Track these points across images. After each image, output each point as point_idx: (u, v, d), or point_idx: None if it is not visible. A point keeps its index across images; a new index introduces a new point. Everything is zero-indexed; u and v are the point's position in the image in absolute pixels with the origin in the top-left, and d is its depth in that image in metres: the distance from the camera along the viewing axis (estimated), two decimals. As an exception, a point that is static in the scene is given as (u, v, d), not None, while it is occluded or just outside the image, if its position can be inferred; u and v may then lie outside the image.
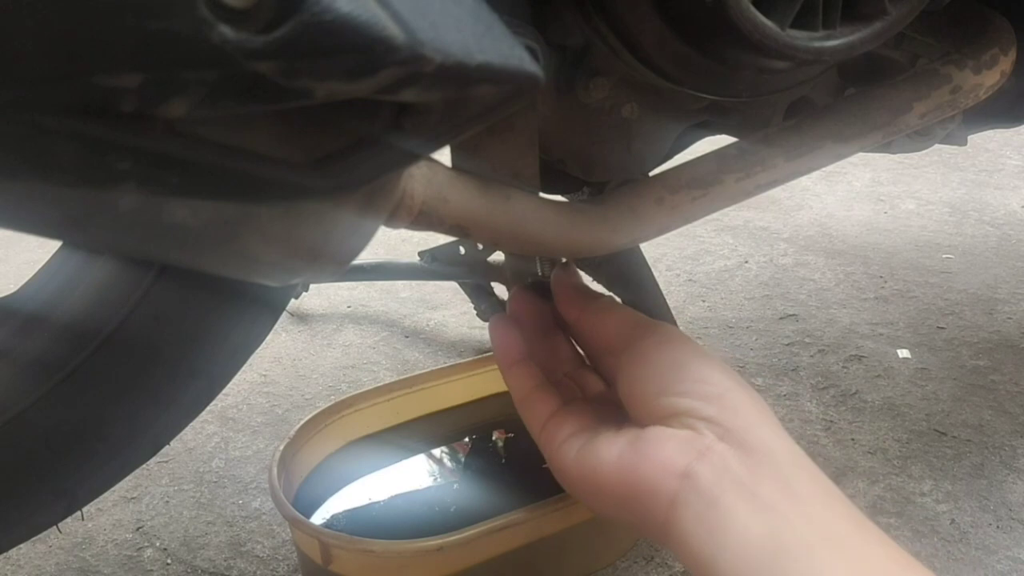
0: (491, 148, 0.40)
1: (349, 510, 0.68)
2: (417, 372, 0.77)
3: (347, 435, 0.72)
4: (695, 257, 1.22)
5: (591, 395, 0.46)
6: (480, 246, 0.88)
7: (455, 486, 0.71)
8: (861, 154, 0.47)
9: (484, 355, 0.80)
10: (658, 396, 0.38)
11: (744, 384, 0.38)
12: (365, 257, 0.42)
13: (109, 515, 0.73)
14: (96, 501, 0.55)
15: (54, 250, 0.48)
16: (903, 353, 0.95)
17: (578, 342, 0.48)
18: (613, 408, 0.43)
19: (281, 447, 0.64)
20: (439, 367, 0.78)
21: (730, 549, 0.32)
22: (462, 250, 0.93)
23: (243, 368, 0.52)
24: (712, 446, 0.35)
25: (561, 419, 0.43)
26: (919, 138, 0.54)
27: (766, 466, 0.34)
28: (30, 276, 0.48)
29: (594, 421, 0.42)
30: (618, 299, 0.53)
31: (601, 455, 0.38)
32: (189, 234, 0.26)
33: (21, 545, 0.53)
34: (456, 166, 0.39)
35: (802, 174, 0.44)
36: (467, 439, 0.77)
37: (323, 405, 0.71)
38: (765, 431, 0.35)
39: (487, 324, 0.97)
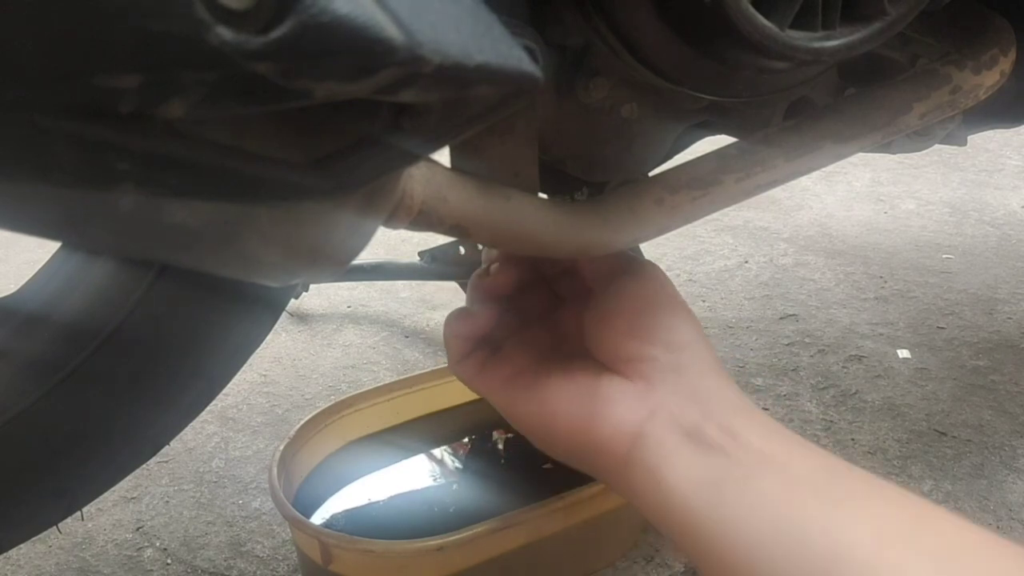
0: (491, 148, 0.40)
1: (349, 510, 0.68)
2: (417, 372, 0.77)
3: (347, 435, 0.72)
4: (695, 257, 1.22)
5: (527, 316, 0.45)
6: (480, 246, 0.88)
7: (455, 486, 0.71)
8: (861, 154, 0.47)
9: (484, 355, 0.80)
10: (626, 336, 0.38)
11: (705, 338, 0.39)
12: (365, 257, 0.42)
13: (109, 515, 0.73)
14: (96, 501, 0.55)
15: (54, 250, 0.48)
16: (903, 353, 0.95)
17: (561, 273, 0.47)
18: (550, 337, 0.43)
19: (281, 447, 0.64)
20: (439, 367, 0.78)
21: (675, 493, 0.34)
22: (462, 250, 0.93)
23: (243, 368, 0.52)
24: (664, 401, 0.36)
25: (498, 361, 0.42)
26: (919, 138, 0.54)
27: (711, 412, 0.35)
28: (30, 276, 0.48)
29: (535, 358, 0.41)
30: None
31: (553, 401, 0.38)
32: (189, 235, 0.26)
33: (21, 545, 0.53)
34: (455, 166, 0.39)
35: (802, 174, 0.44)
36: (467, 439, 0.77)
37: (323, 405, 0.71)
38: (716, 381, 0.37)
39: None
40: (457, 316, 0.43)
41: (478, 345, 0.43)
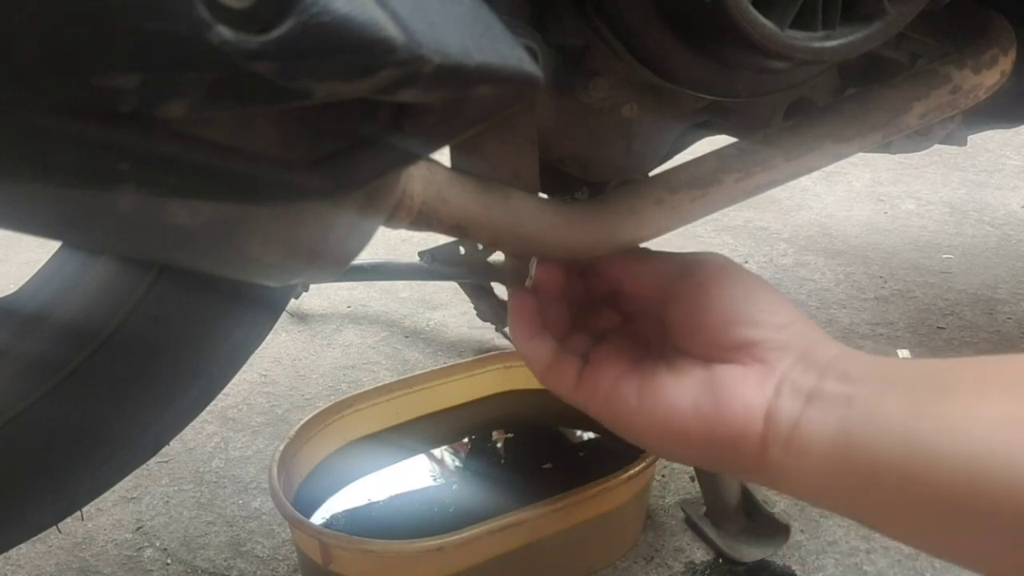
0: (491, 148, 0.40)
1: (349, 510, 0.68)
2: (417, 372, 0.77)
3: (347, 435, 0.72)
4: (695, 257, 1.22)
5: (603, 331, 0.44)
6: (480, 246, 0.88)
7: (455, 486, 0.71)
8: (861, 154, 0.47)
9: (484, 355, 0.80)
10: (727, 326, 0.37)
11: (801, 311, 0.39)
12: (365, 257, 0.41)
13: (109, 515, 0.73)
14: (96, 501, 0.55)
15: (54, 250, 0.48)
16: (903, 353, 0.95)
17: (615, 295, 0.45)
18: (635, 344, 0.42)
19: (281, 447, 0.64)
20: (439, 367, 0.78)
21: (811, 458, 0.33)
22: (462, 250, 0.93)
23: (243, 368, 0.52)
24: (785, 375, 0.36)
25: (594, 373, 0.41)
26: (919, 138, 0.54)
27: (826, 370, 0.35)
28: (30, 276, 0.48)
29: (630, 363, 0.40)
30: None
31: (673, 401, 0.37)
32: (189, 235, 0.26)
33: (21, 545, 0.53)
34: (455, 166, 0.39)
35: (802, 174, 0.44)
36: (467, 439, 0.77)
37: (323, 405, 0.71)
38: (824, 346, 0.37)
39: (487, 324, 0.97)
40: (512, 312, 0.42)
41: (560, 350, 0.42)
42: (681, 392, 0.37)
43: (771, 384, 0.36)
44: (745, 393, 0.36)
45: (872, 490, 0.32)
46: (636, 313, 0.44)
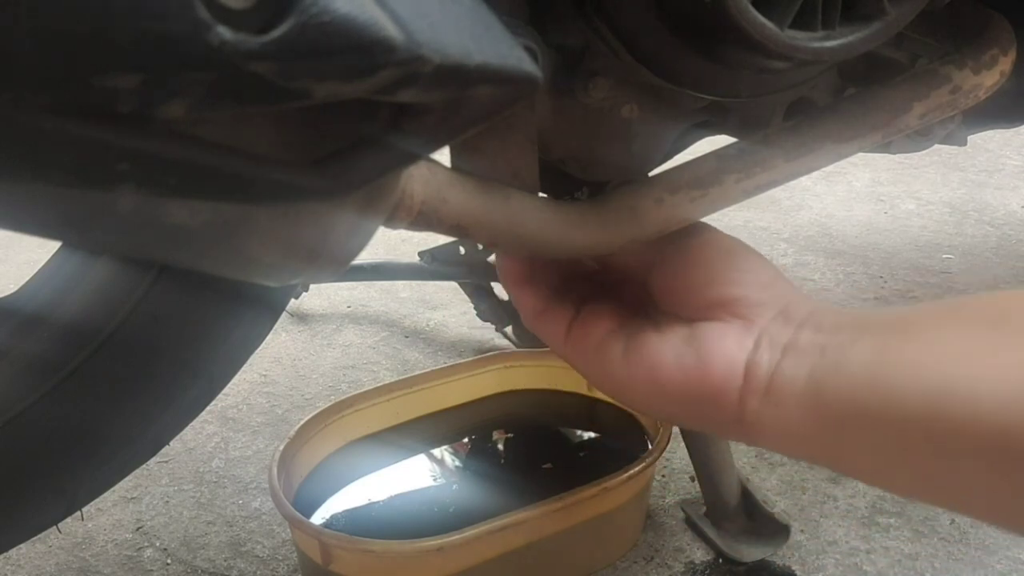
0: (490, 148, 0.40)
1: (349, 510, 0.68)
2: (417, 372, 0.77)
3: (347, 435, 0.73)
4: (695, 257, 1.22)
5: (598, 294, 0.45)
6: (480, 246, 0.88)
7: (455, 486, 0.71)
8: (861, 154, 0.47)
9: (484, 355, 0.80)
10: (708, 285, 0.38)
11: (783, 274, 0.40)
12: (365, 257, 0.42)
13: (109, 515, 0.73)
14: (96, 501, 0.55)
15: (54, 250, 0.48)
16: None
17: (601, 268, 0.46)
18: (623, 307, 0.43)
19: (281, 447, 0.64)
20: (439, 367, 0.78)
21: (786, 408, 0.34)
22: (462, 250, 0.93)
23: (243, 368, 0.52)
24: (764, 330, 0.37)
25: (584, 325, 0.42)
26: (919, 138, 0.54)
27: (802, 323, 0.36)
28: (30, 276, 0.48)
29: (619, 321, 0.41)
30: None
31: (657, 356, 0.38)
32: (188, 235, 0.26)
33: (21, 545, 0.53)
34: (455, 166, 0.39)
35: (802, 174, 0.44)
36: (467, 439, 0.77)
37: (323, 405, 0.71)
38: (804, 303, 0.38)
39: (487, 324, 0.98)
40: (504, 262, 0.43)
41: (552, 298, 0.43)
42: (665, 348, 0.38)
43: (751, 339, 0.36)
44: (726, 347, 0.37)
45: (843, 435, 0.33)
46: (622, 282, 0.44)
